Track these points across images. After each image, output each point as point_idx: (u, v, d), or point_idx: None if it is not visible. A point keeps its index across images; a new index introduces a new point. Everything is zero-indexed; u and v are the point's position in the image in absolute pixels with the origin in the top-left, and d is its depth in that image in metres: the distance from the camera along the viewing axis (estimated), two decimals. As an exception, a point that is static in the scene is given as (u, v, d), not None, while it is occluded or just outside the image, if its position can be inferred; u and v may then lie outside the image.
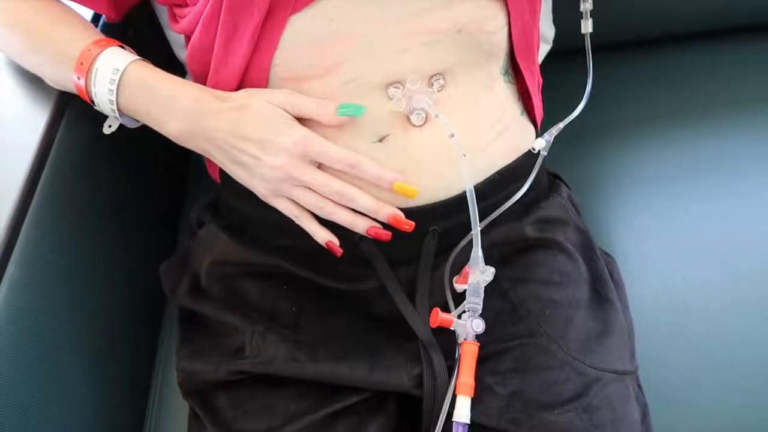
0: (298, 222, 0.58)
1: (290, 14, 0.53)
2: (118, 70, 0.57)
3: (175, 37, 0.76)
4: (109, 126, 0.63)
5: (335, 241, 0.58)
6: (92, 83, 0.58)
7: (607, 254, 0.72)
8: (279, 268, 0.63)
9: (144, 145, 0.76)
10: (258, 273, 0.63)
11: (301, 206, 0.57)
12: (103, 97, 0.58)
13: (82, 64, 0.58)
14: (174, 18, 0.63)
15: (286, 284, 0.63)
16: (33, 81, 0.65)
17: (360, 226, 0.57)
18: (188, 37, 0.60)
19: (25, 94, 0.65)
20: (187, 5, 0.59)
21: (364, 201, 0.55)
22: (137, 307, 0.75)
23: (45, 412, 0.57)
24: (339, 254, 0.59)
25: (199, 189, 0.89)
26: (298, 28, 0.54)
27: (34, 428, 0.55)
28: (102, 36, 0.60)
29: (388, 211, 0.56)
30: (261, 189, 0.57)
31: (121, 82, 0.57)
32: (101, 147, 0.68)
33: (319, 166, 0.56)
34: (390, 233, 0.57)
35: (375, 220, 0.57)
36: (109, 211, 0.70)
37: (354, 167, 0.54)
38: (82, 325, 0.63)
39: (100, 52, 0.58)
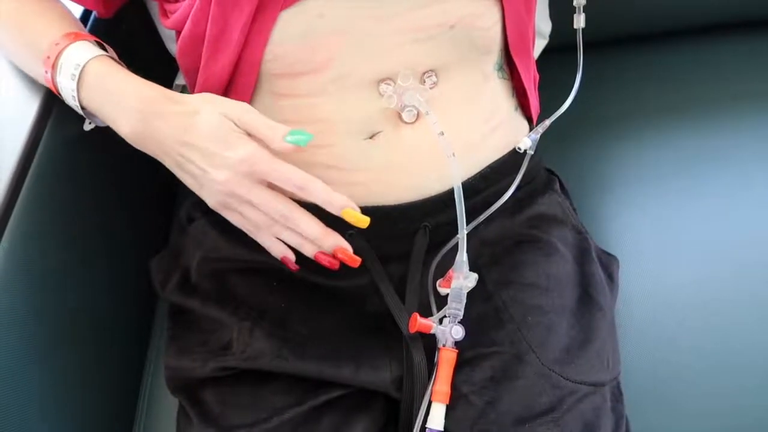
0: (251, 236, 0.56)
1: (281, 9, 0.53)
2: (78, 65, 0.55)
3: (166, 32, 0.75)
4: (89, 123, 0.62)
5: (291, 257, 0.56)
6: (58, 78, 0.57)
7: (608, 254, 0.72)
8: (269, 264, 0.62)
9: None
10: (248, 269, 0.63)
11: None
12: (67, 93, 0.57)
13: (49, 57, 0.56)
14: (164, 13, 0.62)
15: (276, 281, 0.62)
16: (22, 76, 0.64)
17: (306, 249, 0.55)
18: (179, 33, 0.59)
19: (13, 89, 0.64)
20: (177, 0, 0.58)
21: (309, 228, 0.53)
22: (128, 304, 0.75)
23: (33, 411, 0.57)
24: (294, 270, 0.57)
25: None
26: (288, 23, 0.53)
27: (22, 428, 0.55)
28: (78, 29, 0.59)
29: (333, 242, 0.54)
30: (210, 201, 0.55)
31: (80, 78, 0.55)
32: (91, 143, 0.68)
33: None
34: (338, 263, 0.55)
35: None
36: (99, 208, 0.69)
37: (302, 189, 0.51)
38: (71, 322, 0.63)
39: (67, 45, 0.56)
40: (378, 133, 0.56)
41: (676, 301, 0.77)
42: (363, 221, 0.52)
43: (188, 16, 0.56)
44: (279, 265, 0.62)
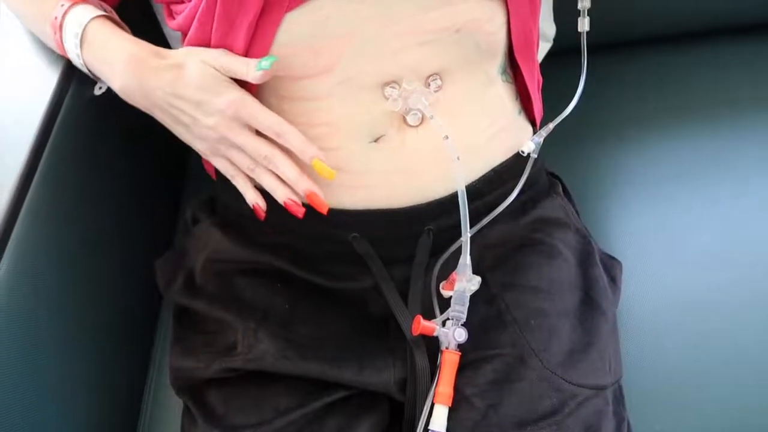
0: (233, 182, 0.59)
1: (286, 11, 0.53)
2: (81, 23, 0.58)
3: (172, 33, 0.76)
4: (100, 87, 0.65)
5: (262, 205, 0.58)
6: (64, 39, 0.59)
7: (611, 257, 0.72)
8: (274, 266, 0.63)
9: (141, 142, 0.75)
10: (253, 270, 0.63)
11: (237, 167, 0.57)
12: (72, 53, 0.60)
13: (56, 18, 0.59)
14: (170, 14, 0.62)
15: (281, 282, 0.63)
16: (41, 53, 0.66)
17: (279, 193, 0.56)
18: (185, 34, 0.60)
19: (33, 62, 0.65)
20: (182, 2, 0.58)
21: (286, 169, 0.55)
22: (133, 304, 0.75)
23: (36, 412, 0.57)
24: (262, 218, 0.59)
25: (197, 186, 0.89)
26: (293, 25, 0.53)
27: (26, 427, 0.55)
28: None
29: (306, 186, 0.55)
30: (201, 148, 0.57)
31: (83, 38, 0.58)
32: (100, 139, 0.68)
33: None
34: (304, 210, 0.56)
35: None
36: (103, 209, 0.69)
37: (280, 136, 0.54)
38: (75, 323, 0.63)
39: (72, 6, 0.59)
40: (382, 136, 0.56)
41: (678, 304, 0.77)
42: (330, 173, 0.54)
43: (194, 17, 0.56)
44: (283, 266, 0.62)
